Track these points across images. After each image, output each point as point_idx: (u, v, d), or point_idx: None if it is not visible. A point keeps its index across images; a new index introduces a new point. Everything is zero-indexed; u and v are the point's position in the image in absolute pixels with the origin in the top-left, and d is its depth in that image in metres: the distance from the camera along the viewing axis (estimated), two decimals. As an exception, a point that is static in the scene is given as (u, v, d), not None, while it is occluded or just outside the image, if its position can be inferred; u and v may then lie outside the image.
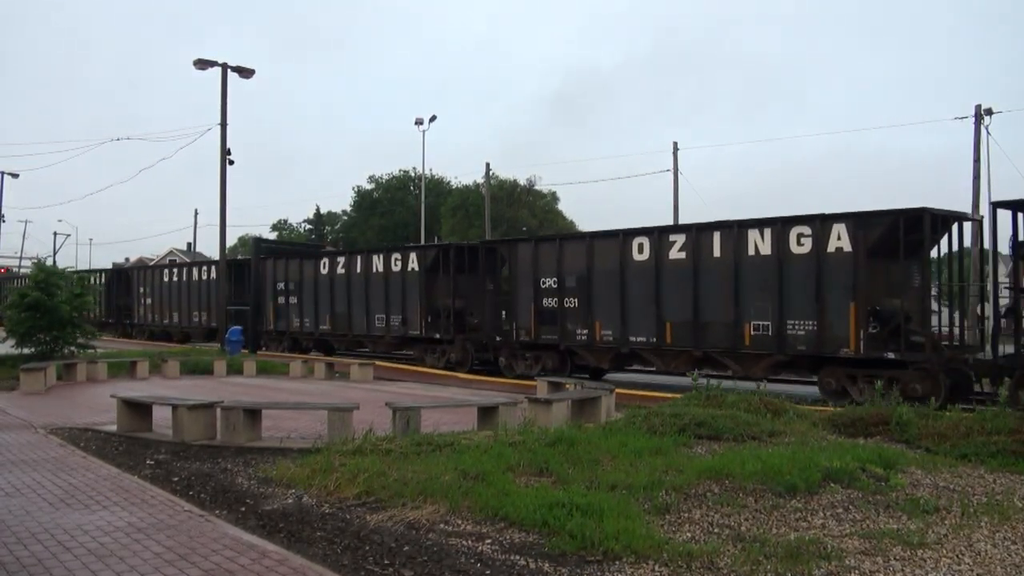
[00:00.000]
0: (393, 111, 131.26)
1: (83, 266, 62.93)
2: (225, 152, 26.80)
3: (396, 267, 22.83)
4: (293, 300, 26.27)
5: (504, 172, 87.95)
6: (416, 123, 45.18)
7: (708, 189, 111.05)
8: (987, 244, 20.85)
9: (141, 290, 36.44)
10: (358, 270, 23.96)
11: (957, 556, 5.35)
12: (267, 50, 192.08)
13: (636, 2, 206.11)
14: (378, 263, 23.37)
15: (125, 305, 38.32)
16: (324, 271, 25.15)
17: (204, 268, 32.87)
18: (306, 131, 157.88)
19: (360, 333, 24.12)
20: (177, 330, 34.11)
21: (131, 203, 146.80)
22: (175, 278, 34.11)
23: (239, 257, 31.67)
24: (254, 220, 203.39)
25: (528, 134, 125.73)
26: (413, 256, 22.63)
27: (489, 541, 5.76)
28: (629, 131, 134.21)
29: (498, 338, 20.39)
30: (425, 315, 21.86)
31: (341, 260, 24.83)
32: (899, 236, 13.86)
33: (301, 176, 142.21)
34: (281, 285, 26.79)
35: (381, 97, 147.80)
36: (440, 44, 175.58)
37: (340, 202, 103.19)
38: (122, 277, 39.83)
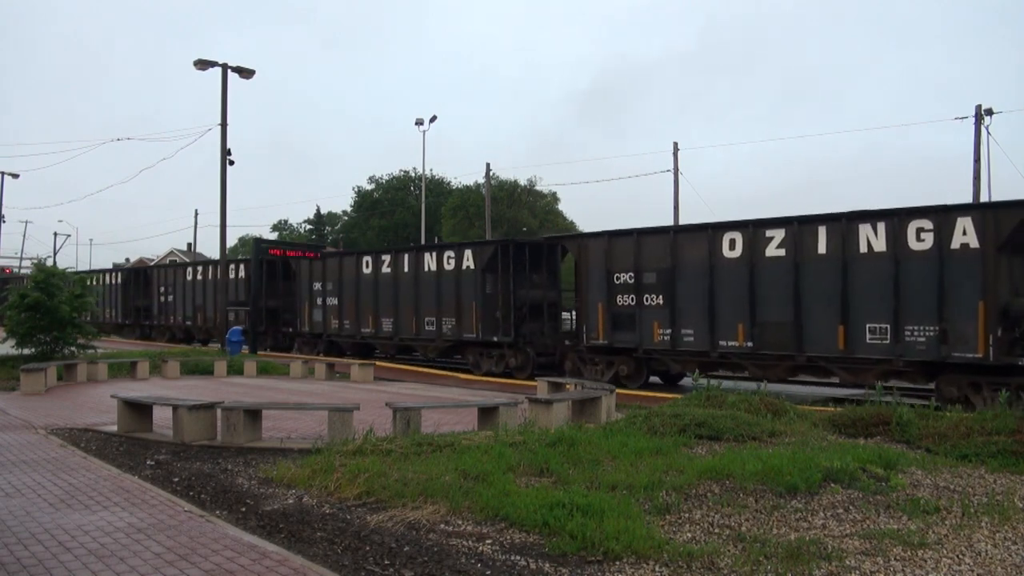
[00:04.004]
0: (414, 111, 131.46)
1: (83, 267, 62.65)
2: (225, 152, 26.81)
3: (919, 243, 13.41)
4: (652, 300, 16.73)
5: (522, 171, 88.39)
6: (416, 123, 45.34)
7: (731, 188, 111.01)
8: None
9: (317, 286, 25.62)
10: (822, 248, 14.45)
11: (958, 556, 5.35)
12: (284, 50, 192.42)
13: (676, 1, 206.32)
14: (888, 235, 13.71)
15: (284, 307, 28.60)
16: (731, 252, 15.61)
17: (433, 254, 21.99)
18: (326, 131, 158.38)
19: (826, 353, 14.42)
20: (388, 343, 23.48)
21: (133, 204, 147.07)
22: (367, 268, 23.71)
23: (520, 239, 22.92)
24: (257, 220, 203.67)
25: (551, 134, 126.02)
26: (967, 224, 13.02)
27: (489, 541, 5.77)
28: (656, 130, 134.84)
29: None
30: (995, 324, 12.72)
31: (777, 235, 15.03)
32: None
33: (315, 176, 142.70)
34: (624, 276, 17.18)
35: (403, 96, 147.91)
36: (470, 43, 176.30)
37: (344, 202, 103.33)
38: (274, 269, 28.70)
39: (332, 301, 24.86)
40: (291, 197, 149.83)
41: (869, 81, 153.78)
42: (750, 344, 15.31)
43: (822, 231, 14.47)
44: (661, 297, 16.63)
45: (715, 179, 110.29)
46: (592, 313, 17.71)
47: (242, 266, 30.59)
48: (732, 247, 15.64)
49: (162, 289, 34.97)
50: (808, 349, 14.63)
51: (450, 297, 21.18)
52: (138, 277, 37.79)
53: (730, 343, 15.60)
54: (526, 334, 20.06)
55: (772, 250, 15.07)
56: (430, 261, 21.89)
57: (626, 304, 17.17)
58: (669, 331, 16.41)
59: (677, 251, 16.46)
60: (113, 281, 39.01)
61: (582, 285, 18.12)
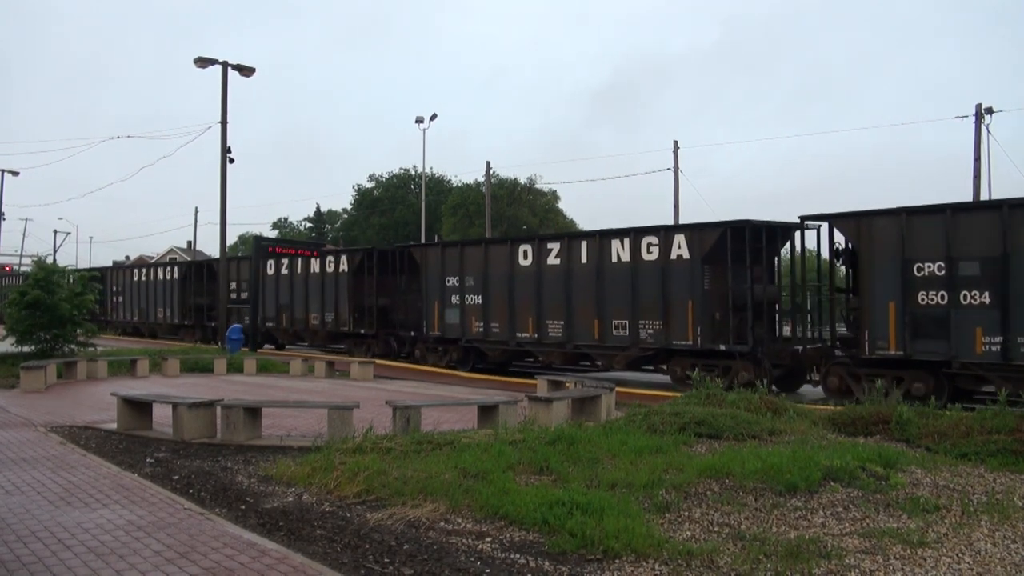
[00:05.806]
0: (421, 109, 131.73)
1: (83, 264, 62.58)
2: (225, 150, 26.79)
3: None
4: (973, 298, 12.80)
5: (525, 169, 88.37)
6: (416, 121, 45.26)
7: (731, 188, 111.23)
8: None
9: (452, 281, 20.81)
10: None
11: (957, 555, 5.35)
12: (286, 49, 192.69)
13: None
14: None
15: (399, 306, 23.54)
16: None
17: (625, 241, 17.42)
18: (330, 130, 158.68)
19: None
20: (556, 351, 18.78)
21: (134, 202, 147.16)
22: (525, 259, 19.19)
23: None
24: (257, 218, 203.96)
25: (563, 132, 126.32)
26: None
27: (489, 539, 5.77)
28: (665, 130, 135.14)
29: None
30: None
31: None
32: None
33: (316, 175, 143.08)
34: (930, 267, 13.19)
35: (411, 95, 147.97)
36: (482, 41, 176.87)
37: (344, 200, 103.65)
38: (387, 261, 23.98)
39: (473, 299, 20.27)
40: (292, 195, 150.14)
41: (874, 82, 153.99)
42: None
43: None
44: (987, 294, 12.67)
45: (718, 179, 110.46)
46: (879, 315, 13.66)
47: (343, 257, 25.16)
48: None
49: (232, 285, 30.18)
50: None
51: (652, 294, 16.81)
52: (200, 271, 32.98)
53: None
54: (759, 341, 15.87)
55: None
56: (620, 250, 17.48)
57: (933, 304, 13.15)
58: (999, 339, 12.48)
59: (1013, 233, 12.51)
60: (168, 276, 34.16)
61: (863, 279, 14.09)
